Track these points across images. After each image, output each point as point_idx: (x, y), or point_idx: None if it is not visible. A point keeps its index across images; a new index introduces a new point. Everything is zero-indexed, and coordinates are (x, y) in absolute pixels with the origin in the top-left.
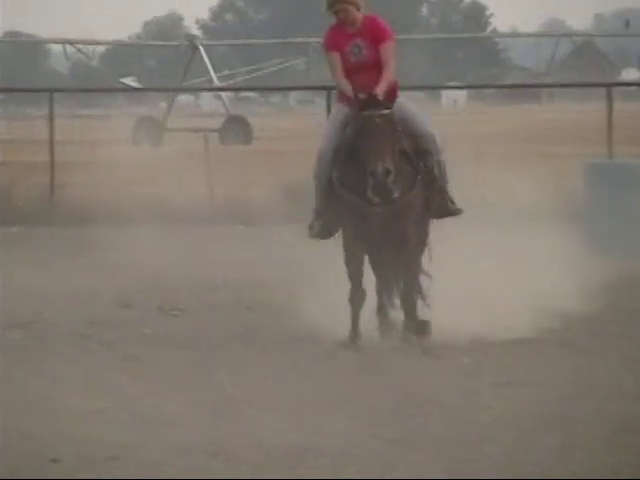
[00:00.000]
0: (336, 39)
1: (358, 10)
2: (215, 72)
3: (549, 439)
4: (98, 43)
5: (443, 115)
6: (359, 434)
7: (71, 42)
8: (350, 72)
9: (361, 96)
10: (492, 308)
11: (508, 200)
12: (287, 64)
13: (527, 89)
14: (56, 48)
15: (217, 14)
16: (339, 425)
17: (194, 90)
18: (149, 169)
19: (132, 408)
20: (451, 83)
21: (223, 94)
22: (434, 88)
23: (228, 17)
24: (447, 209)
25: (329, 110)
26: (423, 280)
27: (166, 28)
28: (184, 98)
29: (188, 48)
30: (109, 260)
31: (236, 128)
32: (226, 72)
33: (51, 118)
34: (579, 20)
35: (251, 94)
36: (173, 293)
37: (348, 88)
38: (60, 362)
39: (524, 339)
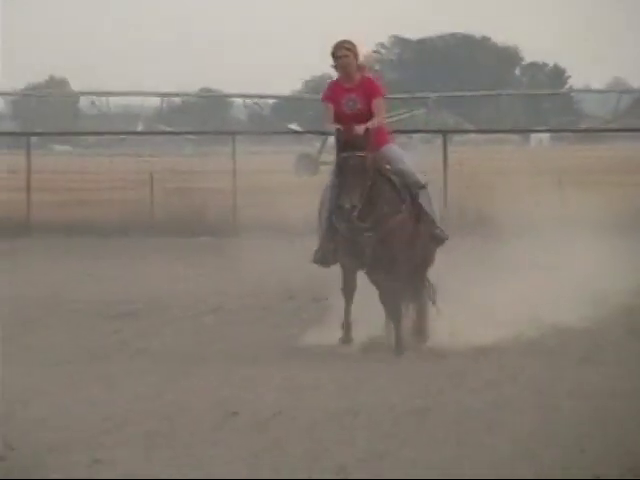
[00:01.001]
0: (334, 93)
1: (357, 64)
2: None
3: (622, 407)
4: (269, 97)
5: (532, 152)
6: (473, 400)
7: (249, 96)
8: (345, 120)
9: (342, 131)
10: (574, 302)
11: (593, 218)
12: (411, 113)
13: (596, 133)
14: (237, 101)
15: None
16: (458, 393)
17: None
18: (306, 193)
19: (292, 375)
20: (538, 127)
21: None
22: (524, 131)
23: None
24: (434, 235)
25: (445, 149)
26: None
27: (321, 86)
28: (333, 139)
29: None
30: (278, 262)
31: None
32: None
33: (234, 154)
34: (637, 78)
35: None
36: (324, 287)
37: (332, 127)
38: (238, 339)
39: (599, 328)
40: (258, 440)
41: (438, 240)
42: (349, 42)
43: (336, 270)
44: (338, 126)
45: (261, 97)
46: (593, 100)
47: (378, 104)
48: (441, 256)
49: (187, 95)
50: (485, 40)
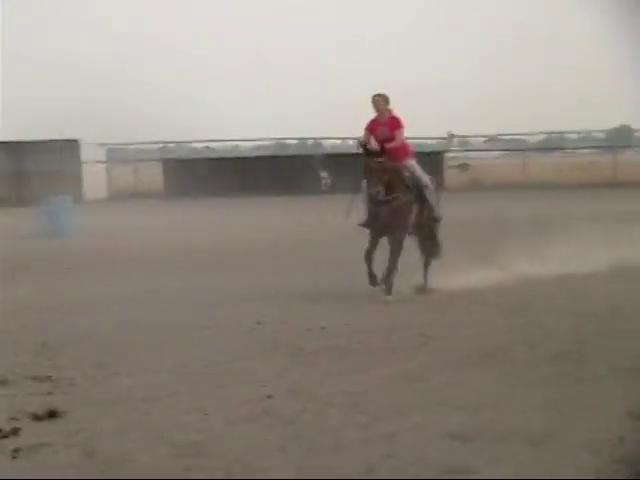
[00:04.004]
0: (373, 126)
1: (386, 104)
2: None
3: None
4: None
5: None
6: (517, 326)
7: (580, 132)
8: (380, 142)
9: (370, 147)
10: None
11: None
12: None
13: None
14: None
15: None
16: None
17: None
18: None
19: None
20: None
21: None
22: None
23: None
24: (432, 216)
25: None
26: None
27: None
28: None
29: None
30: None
31: None
32: None
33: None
34: None
35: None
36: None
37: (372, 145)
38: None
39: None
40: None
41: (435, 219)
42: (382, 94)
43: None
44: (376, 145)
45: (590, 131)
46: None
47: (398, 133)
48: None
49: None
50: None
